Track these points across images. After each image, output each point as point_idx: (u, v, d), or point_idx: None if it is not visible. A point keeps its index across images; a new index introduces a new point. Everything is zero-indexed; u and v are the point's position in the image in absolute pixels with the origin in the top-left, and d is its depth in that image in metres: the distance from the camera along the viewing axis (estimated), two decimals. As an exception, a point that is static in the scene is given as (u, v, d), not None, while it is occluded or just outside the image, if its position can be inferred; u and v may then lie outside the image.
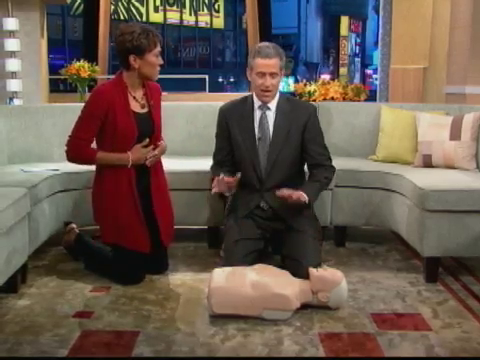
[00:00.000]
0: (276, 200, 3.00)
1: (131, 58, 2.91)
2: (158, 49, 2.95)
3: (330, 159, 3.14)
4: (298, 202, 2.87)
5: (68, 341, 2.37)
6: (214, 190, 2.93)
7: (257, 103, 3.07)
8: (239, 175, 2.91)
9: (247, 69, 3.05)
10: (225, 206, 3.29)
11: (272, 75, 2.95)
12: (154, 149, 3.02)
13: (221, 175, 2.89)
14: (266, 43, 3.03)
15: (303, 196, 2.87)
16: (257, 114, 3.07)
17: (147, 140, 2.99)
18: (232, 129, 3.09)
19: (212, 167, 3.24)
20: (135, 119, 2.95)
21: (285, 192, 2.86)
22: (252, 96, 3.10)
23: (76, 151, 2.96)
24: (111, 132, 2.92)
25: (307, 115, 3.07)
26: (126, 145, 2.94)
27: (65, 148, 2.99)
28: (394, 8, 6.02)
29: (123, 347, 2.34)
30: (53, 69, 6.63)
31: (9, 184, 2.98)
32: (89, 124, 2.92)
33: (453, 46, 5.44)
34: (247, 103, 3.10)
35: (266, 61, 2.93)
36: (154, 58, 2.94)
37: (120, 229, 2.97)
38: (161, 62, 3.00)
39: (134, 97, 3.00)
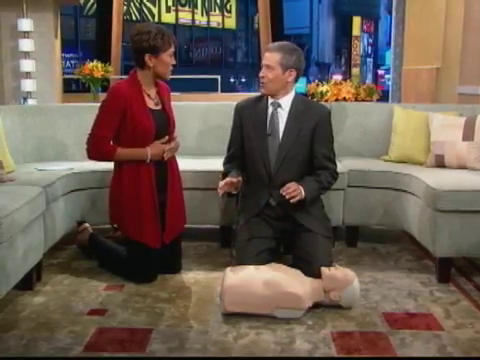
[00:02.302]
0: (284, 201, 3.03)
1: (147, 57, 2.96)
2: (172, 49, 3.02)
3: (335, 164, 3.15)
4: (293, 196, 2.88)
5: (83, 338, 2.40)
6: (220, 192, 2.96)
7: (270, 100, 3.11)
8: (240, 178, 3.00)
9: None
10: (237, 205, 3.31)
11: (268, 67, 3.03)
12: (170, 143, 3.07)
13: (227, 179, 2.97)
14: (278, 41, 3.18)
15: (300, 193, 2.90)
16: (269, 111, 3.11)
17: (166, 137, 3.04)
18: (245, 124, 3.15)
19: (224, 162, 3.28)
20: (152, 115, 3.00)
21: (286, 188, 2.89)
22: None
23: (96, 149, 3.00)
24: (130, 129, 2.96)
25: (319, 117, 3.09)
26: (145, 142, 2.99)
27: (85, 146, 3.03)
28: (407, 8, 6.03)
29: (137, 344, 2.36)
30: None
31: (25, 183, 3.02)
32: (108, 122, 2.97)
33: (466, 46, 5.42)
34: (262, 100, 3.15)
35: (266, 53, 3.07)
36: (168, 58, 3.01)
37: (140, 225, 3.00)
38: (174, 62, 3.07)
39: (148, 95, 3.05)
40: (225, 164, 3.26)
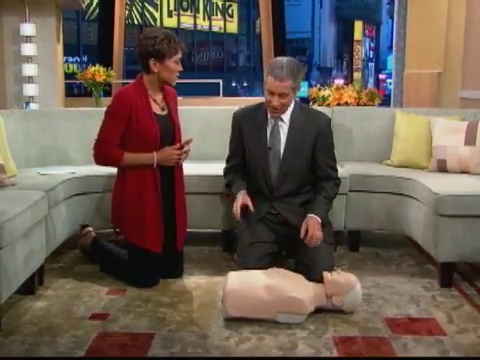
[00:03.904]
0: (286, 209, 3.05)
1: (151, 62, 2.96)
2: (178, 56, 3.00)
3: (337, 171, 3.15)
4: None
5: (85, 342, 2.40)
6: (238, 217, 2.96)
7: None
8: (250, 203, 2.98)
9: None
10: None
11: (281, 95, 2.91)
12: (181, 149, 3.05)
13: (239, 201, 2.96)
14: (282, 61, 2.92)
15: (319, 231, 2.88)
16: (270, 123, 3.05)
17: (178, 145, 3.03)
18: (245, 136, 3.10)
19: (225, 172, 3.24)
20: (157, 121, 2.99)
21: (306, 233, 2.87)
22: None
23: (103, 154, 3.01)
24: (134, 134, 2.96)
25: (320, 127, 3.05)
26: (150, 147, 2.98)
27: (92, 152, 3.03)
28: (409, 13, 6.03)
29: (139, 349, 2.36)
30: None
31: (27, 187, 3.03)
32: (114, 127, 2.96)
33: (468, 50, 5.42)
34: (261, 111, 3.07)
35: (276, 82, 2.88)
36: (173, 64, 2.99)
37: (142, 230, 3.00)
38: (180, 69, 3.04)
39: (154, 100, 3.05)
40: (226, 174, 3.23)
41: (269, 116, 3.05)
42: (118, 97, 3.01)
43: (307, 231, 2.86)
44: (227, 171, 3.24)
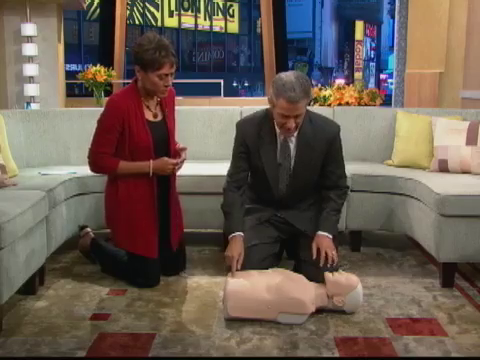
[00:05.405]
0: (292, 214, 3.03)
1: (136, 68, 2.92)
2: (163, 71, 2.87)
3: (345, 177, 3.07)
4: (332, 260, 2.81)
5: (85, 343, 2.39)
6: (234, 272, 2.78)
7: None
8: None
9: (268, 97, 2.84)
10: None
11: (297, 116, 2.75)
12: (179, 157, 3.02)
13: (234, 253, 2.82)
14: (292, 81, 2.68)
15: (332, 249, 2.83)
16: (279, 139, 2.92)
17: (177, 159, 2.99)
18: (253, 152, 2.96)
19: (226, 186, 3.03)
20: (149, 128, 2.96)
21: (319, 254, 2.81)
22: (272, 115, 2.86)
23: (98, 164, 3.00)
24: (127, 143, 2.94)
25: (330, 140, 2.92)
26: (145, 156, 2.95)
27: (87, 160, 3.02)
28: (410, 12, 6.01)
29: (139, 349, 2.35)
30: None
31: (28, 187, 3.03)
32: (107, 137, 2.94)
33: (469, 50, 5.42)
34: (267, 123, 2.90)
35: (292, 105, 2.69)
36: (155, 78, 2.88)
37: (133, 235, 3.00)
38: (167, 84, 2.91)
39: (147, 106, 3.01)
40: (226, 191, 3.03)
41: (278, 132, 2.91)
42: (110, 107, 2.95)
43: (318, 250, 2.82)
44: (228, 187, 3.02)
